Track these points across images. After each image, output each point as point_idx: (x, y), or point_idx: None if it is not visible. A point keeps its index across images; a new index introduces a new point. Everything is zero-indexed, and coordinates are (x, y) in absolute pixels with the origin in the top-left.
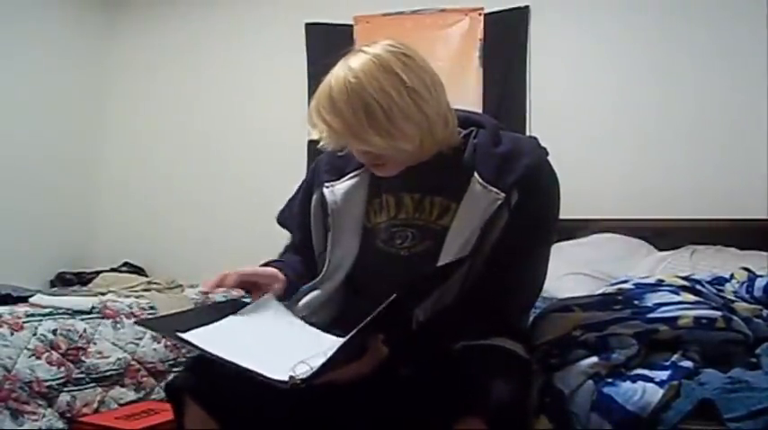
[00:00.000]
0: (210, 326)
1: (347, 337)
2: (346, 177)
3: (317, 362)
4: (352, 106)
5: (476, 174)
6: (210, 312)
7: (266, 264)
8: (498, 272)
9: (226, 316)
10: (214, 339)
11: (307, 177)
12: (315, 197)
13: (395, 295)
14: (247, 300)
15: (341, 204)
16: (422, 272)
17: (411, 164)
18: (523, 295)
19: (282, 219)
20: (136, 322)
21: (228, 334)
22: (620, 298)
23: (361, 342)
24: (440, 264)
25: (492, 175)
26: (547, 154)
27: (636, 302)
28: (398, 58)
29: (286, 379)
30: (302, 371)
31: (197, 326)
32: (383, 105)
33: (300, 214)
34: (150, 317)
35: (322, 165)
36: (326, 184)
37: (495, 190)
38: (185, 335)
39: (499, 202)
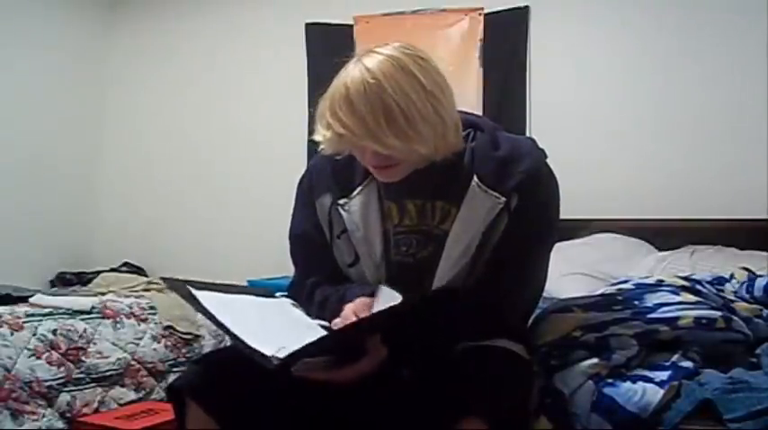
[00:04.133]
0: (223, 295)
1: (331, 332)
2: (357, 190)
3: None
4: (372, 107)
5: (475, 178)
6: (229, 289)
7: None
8: (499, 273)
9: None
10: (220, 305)
11: (302, 192)
12: (324, 207)
13: (392, 305)
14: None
15: (359, 219)
16: (413, 300)
17: (416, 168)
18: (524, 296)
19: (296, 238)
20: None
21: (236, 307)
22: (620, 298)
23: (352, 340)
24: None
25: (492, 180)
26: (545, 156)
27: (636, 303)
28: (415, 60)
29: (269, 354)
30: (282, 353)
31: (211, 290)
32: (403, 107)
33: (315, 229)
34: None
35: (323, 173)
36: (339, 200)
37: (495, 194)
38: (196, 293)
39: (500, 207)
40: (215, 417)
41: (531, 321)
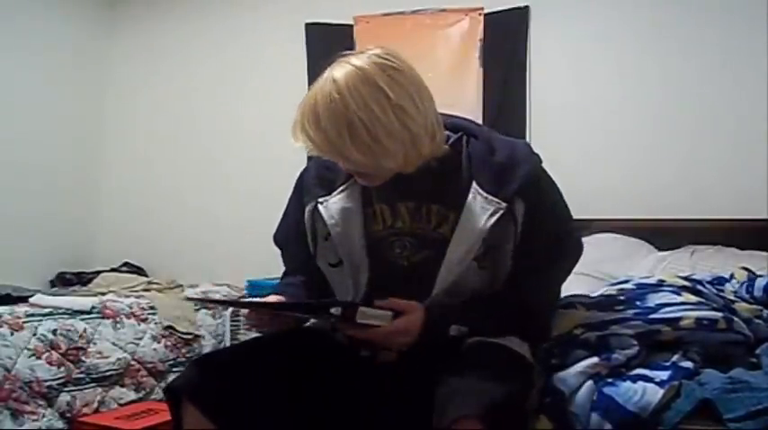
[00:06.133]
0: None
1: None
2: (338, 190)
3: None
4: (336, 122)
5: (474, 184)
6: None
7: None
8: (526, 279)
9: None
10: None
11: (294, 192)
12: (308, 211)
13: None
14: None
15: (338, 219)
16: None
17: (396, 174)
18: (551, 298)
19: (280, 240)
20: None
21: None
22: (622, 298)
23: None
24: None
25: (492, 186)
26: (541, 161)
27: (638, 303)
28: (384, 70)
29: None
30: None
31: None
32: (366, 122)
33: (298, 232)
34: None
35: (310, 178)
36: (320, 200)
37: (496, 200)
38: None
39: (501, 212)
40: (212, 419)
41: None
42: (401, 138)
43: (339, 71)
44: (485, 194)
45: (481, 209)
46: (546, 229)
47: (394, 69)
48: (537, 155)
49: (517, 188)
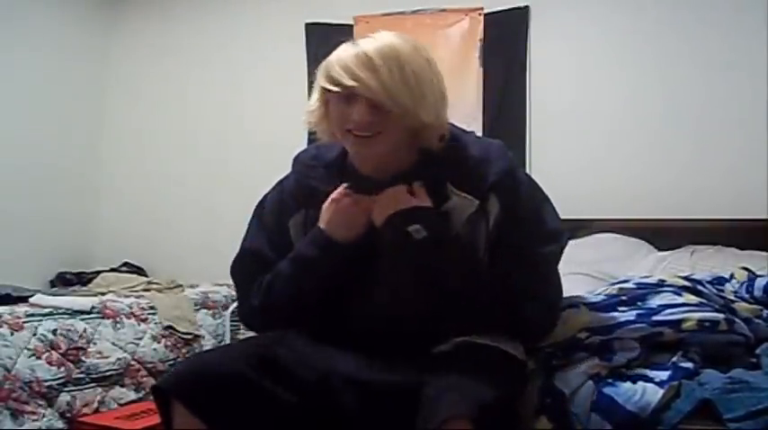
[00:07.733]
0: None
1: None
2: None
3: None
4: (389, 64)
5: (449, 184)
6: None
7: None
8: (511, 275)
9: None
10: None
11: (261, 217)
12: (293, 224)
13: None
14: None
15: None
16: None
17: (394, 152)
18: (550, 294)
19: (253, 263)
20: None
21: None
22: (624, 298)
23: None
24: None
25: (465, 183)
26: (514, 159)
27: (640, 304)
28: (417, 42)
29: None
30: None
31: None
32: (415, 69)
33: (281, 246)
34: None
35: (287, 198)
36: (311, 210)
37: (469, 197)
38: None
39: (472, 210)
40: (201, 417)
41: None
42: (437, 96)
43: (377, 36)
44: (458, 193)
45: (456, 207)
46: (527, 217)
47: (424, 48)
48: (510, 154)
49: (490, 184)
